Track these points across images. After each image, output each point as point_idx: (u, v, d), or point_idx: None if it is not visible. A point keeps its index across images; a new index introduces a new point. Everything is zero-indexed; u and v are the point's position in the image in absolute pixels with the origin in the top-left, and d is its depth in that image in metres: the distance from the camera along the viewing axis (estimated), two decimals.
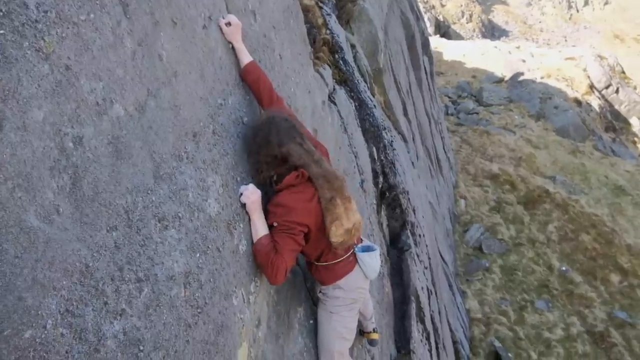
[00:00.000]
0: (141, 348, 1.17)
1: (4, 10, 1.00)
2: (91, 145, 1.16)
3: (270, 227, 1.87)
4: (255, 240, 1.85)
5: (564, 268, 14.61)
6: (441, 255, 9.44)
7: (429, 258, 6.36)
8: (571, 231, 16.08)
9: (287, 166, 1.91)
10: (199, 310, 1.43)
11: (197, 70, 1.70)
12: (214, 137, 1.72)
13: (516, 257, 14.93)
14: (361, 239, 2.33)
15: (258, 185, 1.89)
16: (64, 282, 1.01)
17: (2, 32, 0.99)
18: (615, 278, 14.36)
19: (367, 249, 2.26)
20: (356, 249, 2.21)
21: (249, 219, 1.87)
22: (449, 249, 12.51)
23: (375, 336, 2.83)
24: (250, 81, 2.06)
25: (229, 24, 1.99)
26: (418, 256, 5.31)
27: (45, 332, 0.95)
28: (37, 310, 0.94)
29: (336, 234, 1.93)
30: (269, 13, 2.68)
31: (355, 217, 2.02)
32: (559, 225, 16.32)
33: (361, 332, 2.82)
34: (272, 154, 1.88)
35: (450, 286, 9.82)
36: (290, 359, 2.12)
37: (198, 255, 1.48)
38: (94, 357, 1.04)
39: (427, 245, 6.30)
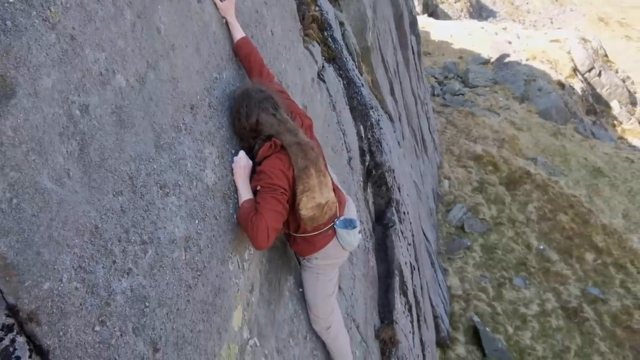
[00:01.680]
0: (147, 304, 1.26)
1: None
2: (96, 113, 1.21)
3: (255, 192, 1.87)
4: (239, 205, 1.86)
5: (541, 247, 15.12)
6: (424, 234, 9.69)
7: (413, 235, 6.54)
8: (550, 211, 16.57)
9: (262, 137, 1.91)
10: (198, 273, 1.52)
11: (193, 44, 1.74)
12: (210, 110, 1.77)
13: (496, 237, 15.37)
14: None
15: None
16: (76, 241, 1.09)
17: (11, 1, 1.03)
18: (589, 256, 14.94)
19: (348, 225, 2.19)
20: (337, 222, 2.16)
21: None
22: (432, 228, 12.81)
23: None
24: (242, 56, 2.10)
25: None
26: (402, 233, 5.47)
27: (61, 285, 1.03)
28: (54, 265, 1.02)
29: (307, 207, 1.90)
30: None
31: (330, 195, 2.01)
32: (539, 206, 16.79)
33: None
34: (243, 125, 1.90)
35: (432, 264, 10.12)
36: (280, 323, 2.24)
37: (197, 222, 1.55)
38: (105, 310, 1.12)
39: (411, 223, 6.48)
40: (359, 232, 2.25)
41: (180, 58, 1.63)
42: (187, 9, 1.76)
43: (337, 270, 2.41)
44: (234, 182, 1.88)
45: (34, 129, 1.03)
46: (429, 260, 9.40)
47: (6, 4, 1.01)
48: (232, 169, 1.88)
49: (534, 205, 16.56)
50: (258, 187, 1.85)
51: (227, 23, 2.09)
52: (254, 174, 1.92)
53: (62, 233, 1.05)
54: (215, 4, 2.00)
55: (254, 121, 1.89)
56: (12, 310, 0.95)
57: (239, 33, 2.11)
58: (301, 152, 1.89)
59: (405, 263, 5.20)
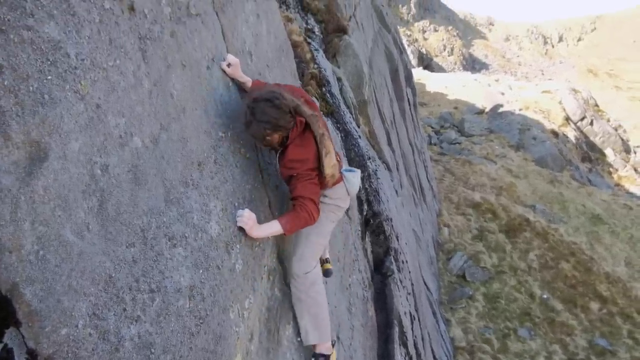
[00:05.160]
0: (152, 351, 1.33)
1: (51, 60, 1.21)
2: (115, 172, 1.35)
3: (291, 177, 2.18)
4: (281, 230, 2.13)
5: (545, 296, 14.87)
6: (425, 283, 9.60)
7: (412, 284, 6.52)
8: (551, 259, 16.45)
9: (293, 121, 2.18)
10: (201, 321, 1.59)
11: (202, 107, 1.92)
12: (216, 166, 1.92)
13: (499, 285, 15.17)
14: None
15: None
16: (92, 289, 1.18)
17: (49, 77, 1.19)
18: (594, 306, 14.65)
19: (350, 170, 2.61)
20: (342, 170, 2.53)
21: (245, 240, 2.05)
22: (433, 277, 12.68)
23: (328, 266, 2.97)
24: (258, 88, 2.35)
25: (229, 65, 2.23)
26: (401, 282, 5.47)
27: (77, 331, 1.11)
28: (71, 312, 1.11)
29: (329, 165, 2.21)
30: (263, 53, 2.94)
31: (335, 155, 2.31)
32: (540, 254, 16.70)
33: None
34: (284, 114, 2.12)
35: (434, 314, 9.93)
36: None
37: (201, 271, 1.65)
38: (114, 356, 1.20)
39: (410, 272, 6.48)
40: (360, 176, 2.65)
41: (190, 119, 1.80)
42: (198, 75, 1.95)
43: (336, 221, 2.59)
44: (244, 237, 2.05)
45: (61, 187, 1.16)
46: (430, 310, 9.25)
47: (45, 80, 1.18)
48: (239, 227, 2.01)
49: (535, 253, 16.46)
50: (295, 174, 2.17)
51: (235, 82, 2.31)
52: (281, 161, 2.23)
53: (80, 282, 1.15)
54: (223, 70, 2.20)
55: (292, 102, 2.16)
56: (32, 355, 1.03)
57: (249, 81, 2.38)
58: (317, 121, 2.23)
59: (405, 313, 5.17)
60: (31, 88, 1.13)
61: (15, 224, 1.04)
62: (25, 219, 1.06)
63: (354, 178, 2.57)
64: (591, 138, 33.26)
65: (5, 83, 1.07)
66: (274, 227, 2.13)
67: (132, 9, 1.56)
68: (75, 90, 1.26)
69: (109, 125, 1.36)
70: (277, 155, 2.29)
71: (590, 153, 31.92)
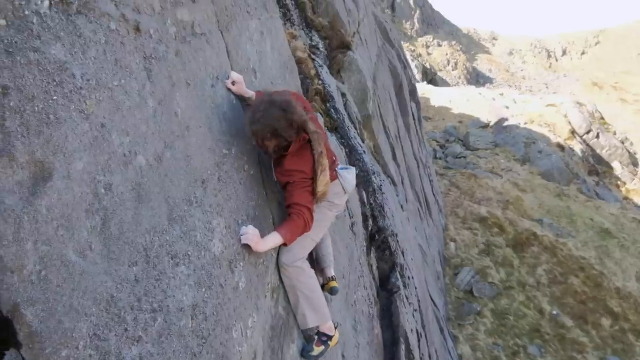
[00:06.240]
0: None
1: (57, 80, 1.22)
2: (119, 190, 1.35)
3: (287, 183, 2.25)
4: (282, 241, 2.19)
5: (554, 312, 14.61)
6: (432, 299, 9.47)
7: (419, 300, 6.43)
8: (560, 274, 16.21)
9: (296, 132, 2.22)
10: (203, 341, 1.57)
11: (206, 124, 1.93)
12: (220, 184, 1.92)
13: (507, 301, 14.93)
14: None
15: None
16: (93, 309, 1.17)
17: (55, 97, 1.21)
18: (606, 322, 14.37)
19: (345, 168, 2.68)
20: (337, 169, 2.59)
21: (249, 258, 2.04)
22: (440, 292, 12.51)
23: (334, 284, 2.95)
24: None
25: (233, 82, 2.26)
26: (407, 298, 5.40)
27: (77, 352, 1.10)
28: (72, 333, 1.10)
29: (322, 183, 2.27)
30: (267, 70, 2.97)
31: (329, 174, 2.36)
32: (548, 268, 16.47)
33: (322, 285, 2.90)
34: (290, 123, 2.17)
35: (441, 330, 9.78)
36: None
37: (204, 290, 1.63)
38: None
39: (416, 288, 6.40)
40: (355, 174, 2.72)
41: (194, 137, 1.81)
42: (202, 93, 1.97)
43: (330, 219, 2.64)
44: (248, 254, 2.06)
45: (64, 206, 1.16)
46: (437, 326, 9.10)
47: (50, 101, 1.19)
48: (243, 243, 2.02)
49: (543, 268, 16.24)
50: (290, 181, 2.23)
51: (240, 99, 2.33)
52: (277, 167, 2.30)
53: (81, 302, 1.14)
54: (227, 88, 2.22)
55: (296, 122, 2.19)
56: None
57: (254, 94, 2.41)
58: (318, 139, 2.28)
59: (412, 330, 5.09)
60: (36, 108, 1.15)
61: (18, 244, 1.04)
62: (28, 238, 1.06)
63: (349, 175, 2.64)
64: (598, 151, 33.07)
65: (11, 104, 1.08)
66: (275, 239, 2.18)
67: (137, 29, 1.59)
68: (80, 110, 1.27)
69: (113, 144, 1.37)
70: (272, 161, 2.36)
71: (597, 166, 31.70)
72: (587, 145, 32.63)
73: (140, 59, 1.58)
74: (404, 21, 64.90)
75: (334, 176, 2.55)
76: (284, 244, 2.26)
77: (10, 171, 1.05)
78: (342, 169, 2.65)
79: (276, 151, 2.25)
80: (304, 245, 2.48)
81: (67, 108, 1.23)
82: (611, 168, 32.86)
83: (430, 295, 9.09)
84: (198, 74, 1.96)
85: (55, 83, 1.21)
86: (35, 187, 1.10)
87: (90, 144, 1.29)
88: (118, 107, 1.42)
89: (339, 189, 2.58)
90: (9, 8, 1.13)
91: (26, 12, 1.17)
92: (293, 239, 2.23)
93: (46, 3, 1.23)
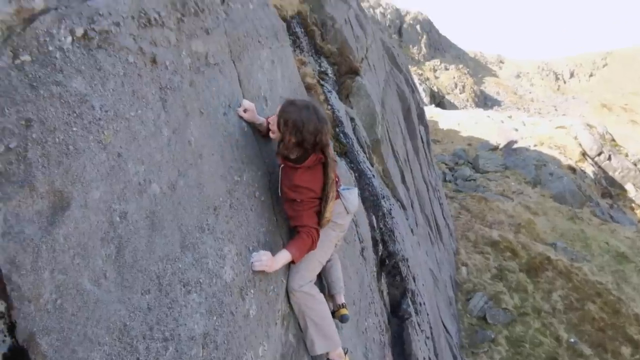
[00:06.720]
0: None
1: (77, 112, 1.26)
2: (133, 219, 1.37)
3: (294, 200, 2.26)
4: (291, 259, 2.21)
5: (572, 340, 14.14)
6: (444, 326, 9.26)
7: (431, 327, 6.30)
8: (576, 300, 15.77)
9: (312, 148, 2.24)
10: None
11: (219, 152, 1.96)
12: (231, 211, 1.94)
13: (522, 328, 14.51)
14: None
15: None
16: (107, 339, 1.17)
17: (75, 129, 1.24)
18: (626, 350, 13.86)
19: (347, 188, 2.68)
20: (339, 189, 2.58)
21: (260, 285, 2.03)
22: (453, 319, 12.23)
23: (345, 311, 2.90)
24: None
25: (245, 110, 2.30)
26: (419, 325, 5.29)
27: None
28: None
29: (329, 210, 2.31)
30: (278, 97, 3.03)
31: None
32: (564, 294, 16.04)
33: (332, 312, 2.85)
34: (306, 135, 2.19)
35: (454, 358, 9.51)
36: None
37: (215, 318, 1.63)
38: None
39: (428, 314, 6.27)
40: (358, 194, 2.73)
41: (207, 165, 1.84)
42: (215, 122, 2.01)
43: (334, 239, 2.60)
44: (260, 280, 2.07)
45: (81, 235, 1.18)
46: (450, 354, 8.86)
47: (70, 132, 1.23)
48: (258, 270, 2.03)
49: (558, 294, 15.83)
50: (298, 200, 2.25)
51: (251, 125, 2.38)
52: (285, 178, 2.30)
53: (95, 331, 1.14)
54: (239, 116, 2.27)
55: (320, 137, 2.22)
56: None
57: (265, 121, 2.45)
58: (333, 167, 2.33)
59: (424, 358, 4.96)
60: (57, 139, 1.18)
61: (35, 273, 1.05)
62: (46, 267, 1.08)
63: (351, 195, 2.65)
64: (610, 173, 32.67)
65: (34, 136, 1.12)
66: (286, 257, 2.21)
67: (154, 61, 1.64)
68: (99, 140, 1.31)
69: (129, 173, 1.40)
70: (281, 170, 2.36)
71: (610, 189, 31.24)
72: (599, 167, 32.28)
73: (156, 90, 1.63)
74: (411, 46, 65.91)
75: (336, 196, 2.56)
76: (292, 262, 2.28)
77: (30, 201, 1.08)
78: (344, 189, 2.66)
79: (291, 152, 2.26)
80: (311, 267, 2.48)
81: (86, 139, 1.27)
82: (625, 190, 32.36)
83: (442, 322, 8.89)
84: (211, 103, 2.01)
85: (75, 115, 1.25)
86: (54, 217, 1.13)
87: (107, 174, 1.32)
88: (134, 137, 1.46)
89: (341, 209, 2.58)
90: (34, 44, 1.19)
91: (50, 48, 1.22)
92: (301, 257, 2.27)
93: (69, 39, 1.28)
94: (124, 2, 1.52)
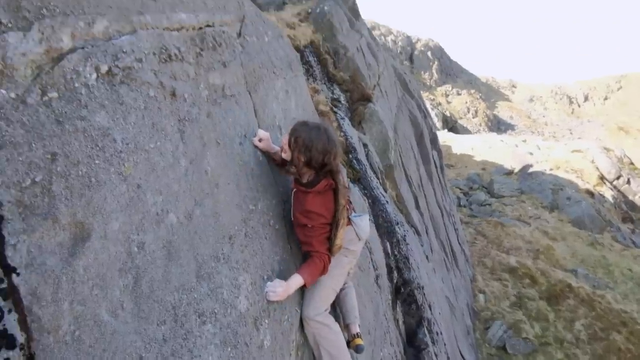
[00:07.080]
0: None
1: (99, 145, 1.31)
2: (151, 249, 1.39)
3: (305, 225, 2.27)
4: (303, 283, 2.21)
5: None
6: (462, 356, 8.96)
7: (448, 358, 6.10)
8: (600, 329, 15.16)
9: (322, 172, 2.26)
10: None
11: (234, 181, 1.99)
12: (246, 239, 1.95)
13: (544, 359, 13.95)
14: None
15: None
16: None
17: (97, 162, 1.28)
18: None
19: (358, 215, 2.66)
20: (350, 216, 2.57)
21: (274, 315, 2.01)
22: (471, 349, 11.83)
23: (360, 341, 2.83)
24: None
25: (260, 139, 2.35)
26: (436, 356, 5.14)
27: None
28: None
29: (340, 237, 2.31)
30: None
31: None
32: (587, 323, 15.44)
33: (347, 342, 2.76)
34: (316, 156, 2.21)
35: None
36: None
37: (229, 349, 1.61)
38: None
39: (445, 344, 6.09)
40: (369, 221, 2.67)
41: (222, 194, 1.86)
42: (231, 152, 2.05)
43: (347, 266, 2.56)
44: (275, 311, 2.06)
45: (100, 266, 1.20)
46: None
47: (93, 165, 1.27)
48: (269, 297, 2.02)
49: (581, 323, 15.25)
50: (309, 225, 2.25)
51: (266, 154, 2.41)
52: (296, 202, 2.32)
53: None
54: (255, 145, 2.31)
55: (329, 159, 2.24)
56: None
57: (279, 149, 2.46)
58: (344, 193, 2.33)
59: None
60: (80, 172, 1.22)
61: (55, 305, 1.07)
62: (65, 299, 1.10)
63: (362, 222, 2.65)
64: (630, 197, 31.90)
65: (58, 169, 1.16)
66: (297, 282, 2.21)
67: (173, 94, 1.70)
68: (119, 172, 1.35)
69: (147, 203, 1.43)
70: (293, 194, 2.37)
71: (631, 213, 30.44)
72: (619, 191, 31.58)
73: (175, 122, 1.68)
74: (422, 72, 66.59)
75: (347, 222, 2.56)
76: (304, 286, 2.28)
77: (53, 233, 1.11)
78: (355, 216, 2.66)
79: (300, 171, 2.28)
80: (324, 295, 2.45)
81: (108, 171, 1.30)
82: None
83: (460, 352, 8.61)
84: (227, 133, 2.05)
85: (98, 148, 1.29)
86: (74, 248, 1.15)
87: (127, 205, 1.35)
88: (153, 168, 1.49)
89: (352, 236, 2.57)
90: (61, 82, 1.24)
91: (76, 85, 1.28)
92: (313, 281, 2.29)
93: (94, 75, 1.34)
94: (147, 39, 1.59)
